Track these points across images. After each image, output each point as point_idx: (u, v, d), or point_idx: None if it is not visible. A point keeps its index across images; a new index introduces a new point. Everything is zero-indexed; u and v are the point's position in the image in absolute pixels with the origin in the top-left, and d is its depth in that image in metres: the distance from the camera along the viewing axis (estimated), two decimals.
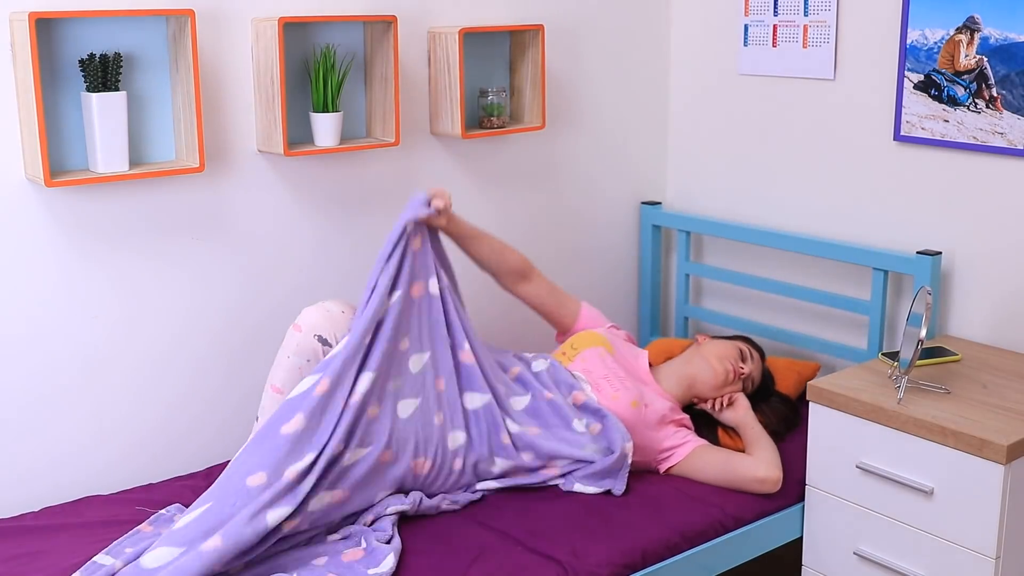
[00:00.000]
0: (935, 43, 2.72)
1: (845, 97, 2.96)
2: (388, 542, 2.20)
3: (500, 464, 2.44)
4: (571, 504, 2.42)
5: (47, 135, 2.30)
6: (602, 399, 2.57)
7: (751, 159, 3.23)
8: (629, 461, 2.49)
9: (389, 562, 2.13)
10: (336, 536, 2.25)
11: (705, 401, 2.73)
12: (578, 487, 2.48)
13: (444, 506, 2.39)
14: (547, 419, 2.52)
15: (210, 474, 2.56)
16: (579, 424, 2.52)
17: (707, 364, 2.71)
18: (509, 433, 2.45)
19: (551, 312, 2.79)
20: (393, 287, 2.37)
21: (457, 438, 2.40)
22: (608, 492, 2.48)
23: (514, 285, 2.73)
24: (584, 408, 2.55)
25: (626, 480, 2.49)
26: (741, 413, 2.67)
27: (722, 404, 2.70)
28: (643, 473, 2.57)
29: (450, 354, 2.44)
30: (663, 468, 2.58)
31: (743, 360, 2.75)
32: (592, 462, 2.47)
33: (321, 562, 2.13)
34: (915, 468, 2.33)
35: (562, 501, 2.43)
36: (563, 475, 2.49)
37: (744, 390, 2.74)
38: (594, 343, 2.71)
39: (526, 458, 2.46)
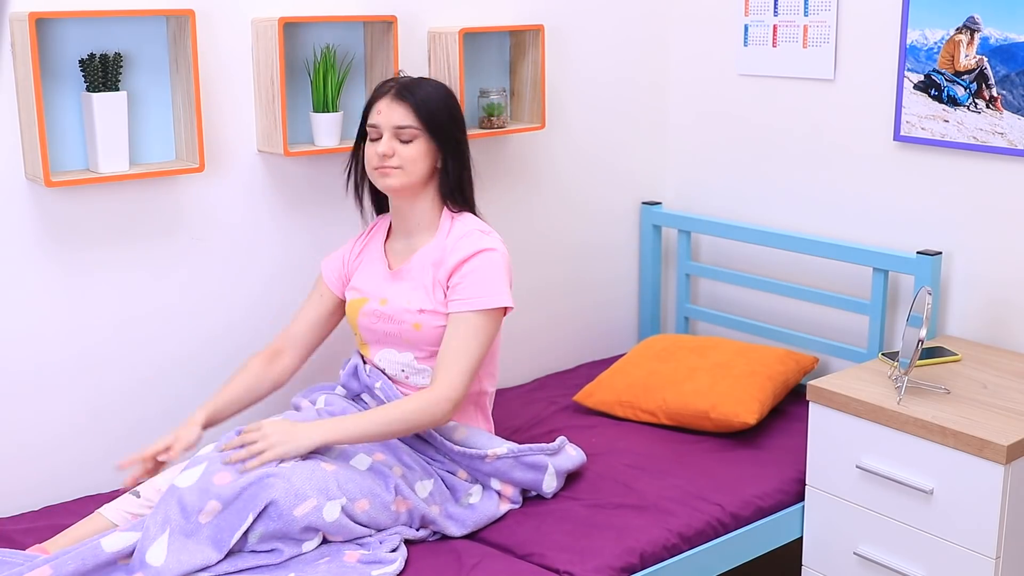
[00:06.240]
0: (935, 43, 2.72)
1: (845, 97, 2.96)
2: (394, 550, 2.20)
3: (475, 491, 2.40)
4: (567, 509, 2.40)
5: (47, 135, 2.29)
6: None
7: (751, 159, 3.23)
8: (509, 449, 2.38)
9: (398, 564, 2.13)
10: (340, 537, 2.23)
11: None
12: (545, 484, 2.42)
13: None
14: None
15: None
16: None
17: None
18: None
19: (327, 325, 2.56)
20: None
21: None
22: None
23: (282, 366, 2.50)
24: None
25: (548, 456, 2.42)
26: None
27: None
28: (639, 474, 2.54)
29: None
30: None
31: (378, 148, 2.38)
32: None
33: (323, 561, 2.13)
34: (915, 468, 2.33)
35: (557, 507, 2.41)
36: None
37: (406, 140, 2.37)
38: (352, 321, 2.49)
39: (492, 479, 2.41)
